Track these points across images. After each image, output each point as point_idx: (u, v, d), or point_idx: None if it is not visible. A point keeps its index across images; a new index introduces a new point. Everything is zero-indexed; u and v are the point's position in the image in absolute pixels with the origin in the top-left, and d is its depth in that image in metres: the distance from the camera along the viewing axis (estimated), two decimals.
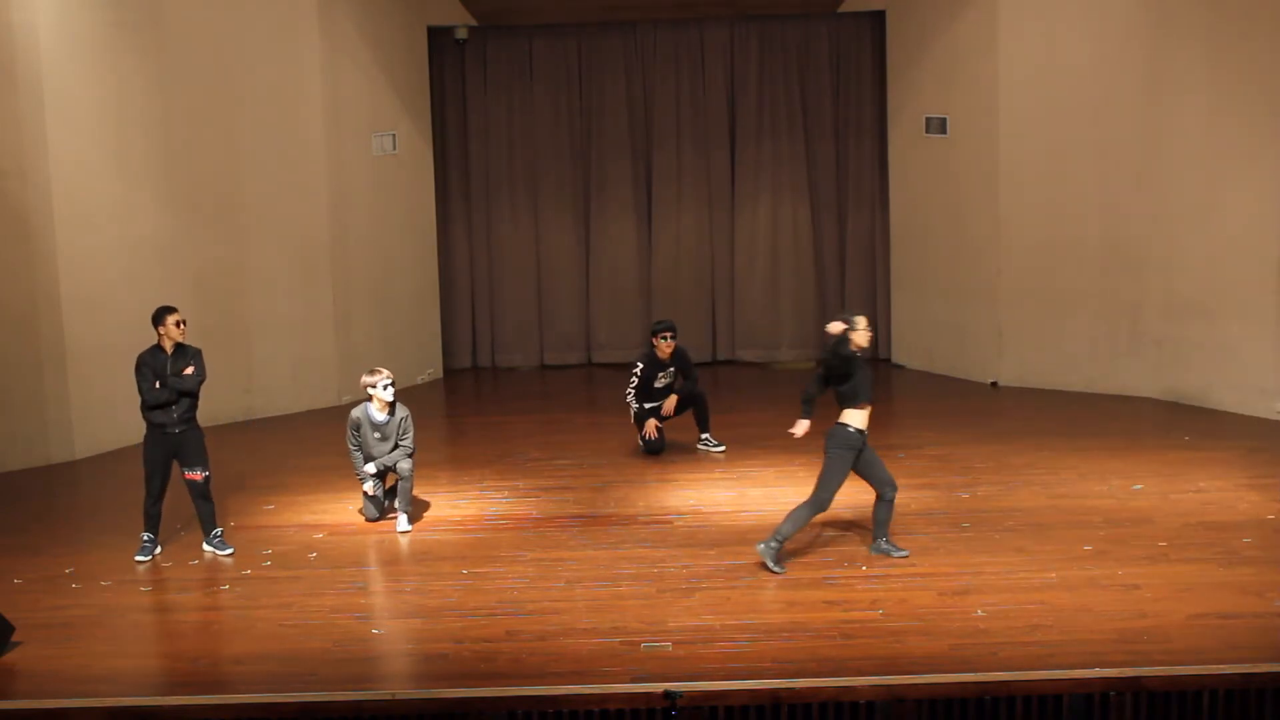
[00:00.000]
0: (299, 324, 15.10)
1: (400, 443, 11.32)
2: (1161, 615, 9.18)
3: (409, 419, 11.38)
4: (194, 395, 10.69)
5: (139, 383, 10.64)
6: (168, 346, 10.63)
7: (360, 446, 11.35)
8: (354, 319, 15.55)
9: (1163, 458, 12.61)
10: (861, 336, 10.01)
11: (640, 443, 13.20)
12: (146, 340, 10.79)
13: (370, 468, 11.29)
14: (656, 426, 13.15)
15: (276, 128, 14.74)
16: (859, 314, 10.14)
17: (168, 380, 10.57)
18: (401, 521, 11.26)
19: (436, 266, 16.81)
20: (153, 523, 10.82)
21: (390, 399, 11.31)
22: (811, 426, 10.25)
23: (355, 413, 11.39)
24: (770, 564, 10.01)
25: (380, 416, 11.33)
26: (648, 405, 13.26)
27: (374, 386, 11.28)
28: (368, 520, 11.43)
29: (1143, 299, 14.67)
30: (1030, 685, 8.24)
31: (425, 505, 11.84)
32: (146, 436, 10.76)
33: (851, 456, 10.05)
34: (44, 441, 13.44)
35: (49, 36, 13.08)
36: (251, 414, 14.86)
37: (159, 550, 10.88)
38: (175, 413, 10.64)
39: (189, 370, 10.61)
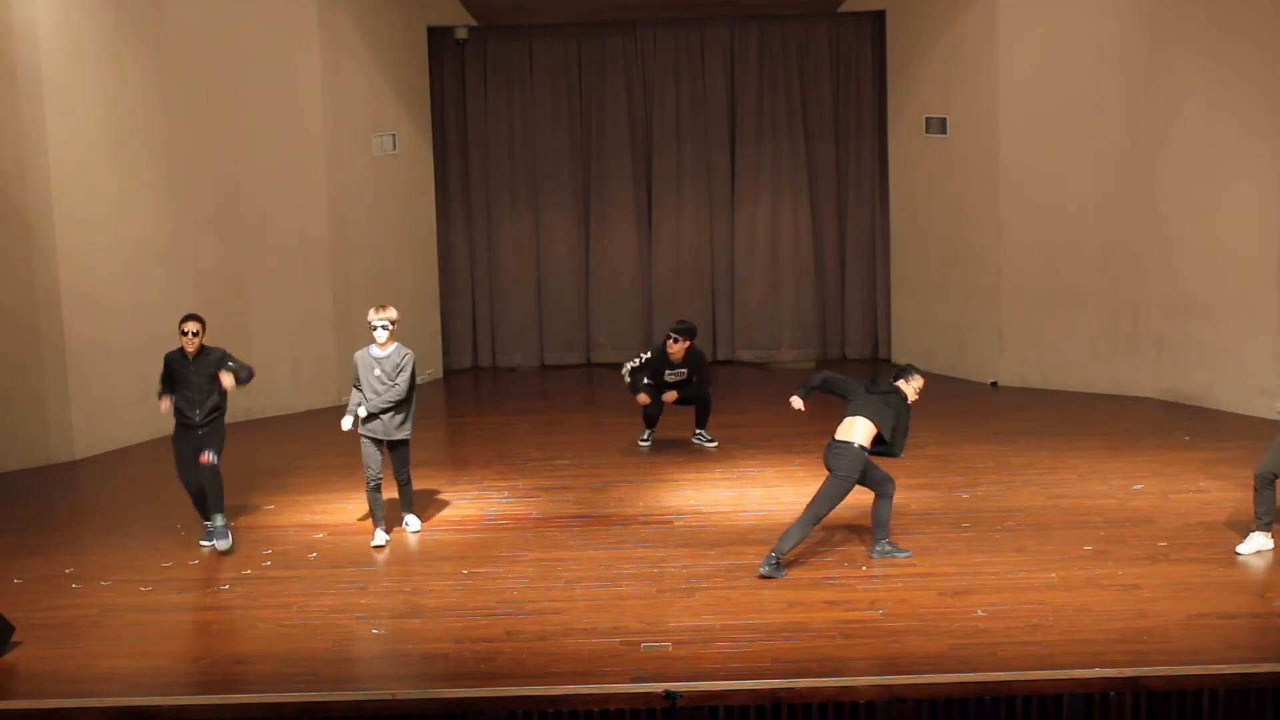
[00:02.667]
0: (299, 324, 15.11)
1: (395, 381, 10.91)
2: (1161, 615, 9.18)
3: (410, 359, 10.96)
4: (230, 384, 10.82)
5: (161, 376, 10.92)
6: (188, 350, 10.77)
7: (359, 383, 11.02)
8: (354, 319, 15.53)
9: (1163, 458, 12.61)
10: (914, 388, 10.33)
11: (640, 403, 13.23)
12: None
13: (361, 410, 10.92)
14: (647, 399, 13.10)
15: (276, 128, 14.75)
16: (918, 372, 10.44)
17: (190, 381, 10.72)
18: (412, 522, 11.22)
19: (436, 266, 16.81)
20: (205, 498, 10.99)
21: (382, 340, 10.91)
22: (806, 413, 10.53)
23: (358, 353, 11.11)
24: (769, 572, 10.00)
25: (379, 351, 10.95)
26: (647, 381, 13.16)
27: (371, 325, 10.98)
28: (376, 546, 11.04)
29: (1142, 299, 14.68)
30: (1030, 685, 8.24)
31: (425, 505, 11.84)
32: (174, 432, 10.98)
33: (859, 476, 10.11)
34: (44, 441, 13.45)
35: (49, 36, 13.08)
36: (251, 414, 14.85)
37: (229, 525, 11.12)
38: (198, 414, 10.75)
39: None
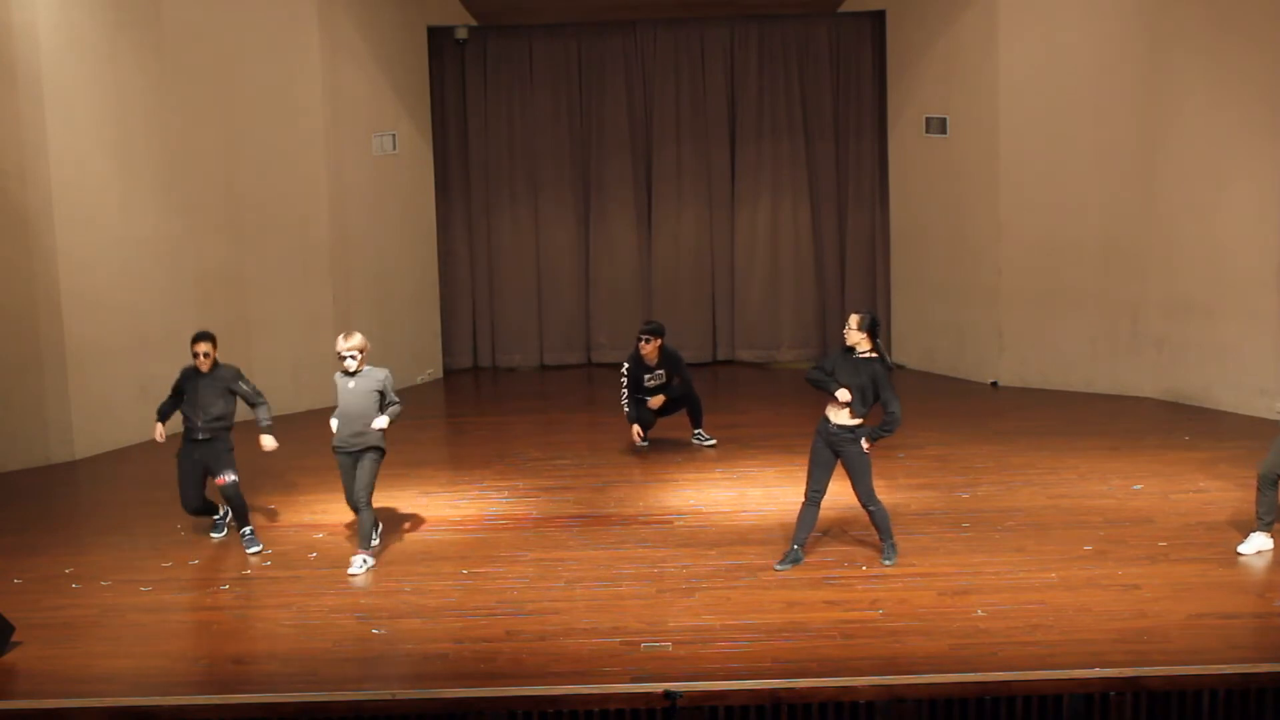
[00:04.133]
0: (299, 324, 15.10)
1: (391, 400, 10.60)
2: (1161, 615, 9.18)
3: (388, 380, 10.63)
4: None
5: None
6: (202, 369, 10.90)
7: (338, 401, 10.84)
8: (354, 319, 15.52)
9: (1163, 458, 12.61)
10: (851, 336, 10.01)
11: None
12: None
13: (333, 423, 10.80)
14: (639, 434, 13.23)
15: (276, 128, 14.74)
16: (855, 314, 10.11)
17: (200, 392, 10.81)
18: (355, 562, 10.50)
19: (436, 266, 16.81)
20: (206, 511, 11.11)
21: (351, 370, 10.61)
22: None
23: (336, 375, 10.87)
24: (783, 565, 10.16)
25: (351, 379, 10.64)
26: (638, 395, 13.27)
27: (339, 355, 10.65)
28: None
29: (1143, 298, 14.67)
30: (1030, 685, 8.25)
31: (426, 506, 11.83)
32: (180, 446, 11.04)
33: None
34: (44, 441, 13.44)
35: (49, 36, 13.07)
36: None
37: (229, 520, 11.18)
38: (201, 420, 10.82)
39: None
